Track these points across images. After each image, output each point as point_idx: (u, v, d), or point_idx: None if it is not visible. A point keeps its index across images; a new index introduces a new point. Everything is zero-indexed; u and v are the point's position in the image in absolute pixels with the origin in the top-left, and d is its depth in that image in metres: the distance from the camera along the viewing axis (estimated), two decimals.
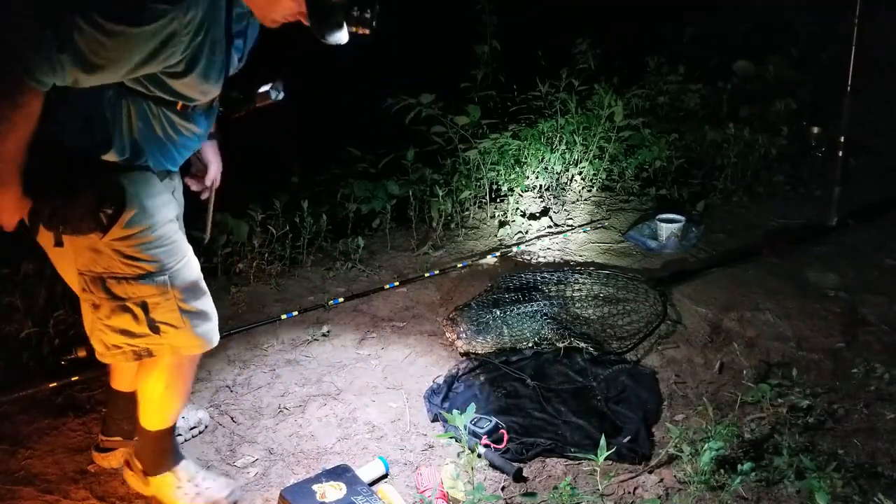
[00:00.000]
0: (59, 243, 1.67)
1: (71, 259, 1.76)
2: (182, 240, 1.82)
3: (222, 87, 1.73)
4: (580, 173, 4.34)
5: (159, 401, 1.92)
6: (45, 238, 1.72)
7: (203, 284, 1.85)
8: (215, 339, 1.90)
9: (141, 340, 1.80)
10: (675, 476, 2.08)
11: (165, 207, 1.77)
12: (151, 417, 1.94)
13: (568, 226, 3.94)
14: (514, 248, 3.66)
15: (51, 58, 1.43)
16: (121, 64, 1.50)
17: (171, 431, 1.99)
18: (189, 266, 1.81)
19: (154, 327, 1.77)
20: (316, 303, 3.10)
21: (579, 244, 3.73)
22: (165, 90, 1.63)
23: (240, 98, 1.88)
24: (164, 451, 1.99)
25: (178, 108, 1.68)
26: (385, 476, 2.12)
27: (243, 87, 1.87)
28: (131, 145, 1.67)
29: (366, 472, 2.08)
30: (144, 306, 1.75)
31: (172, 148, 1.76)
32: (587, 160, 4.32)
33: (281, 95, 1.92)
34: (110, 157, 1.65)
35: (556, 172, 4.28)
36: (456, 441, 2.10)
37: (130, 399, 2.13)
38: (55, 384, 2.51)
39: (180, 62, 1.57)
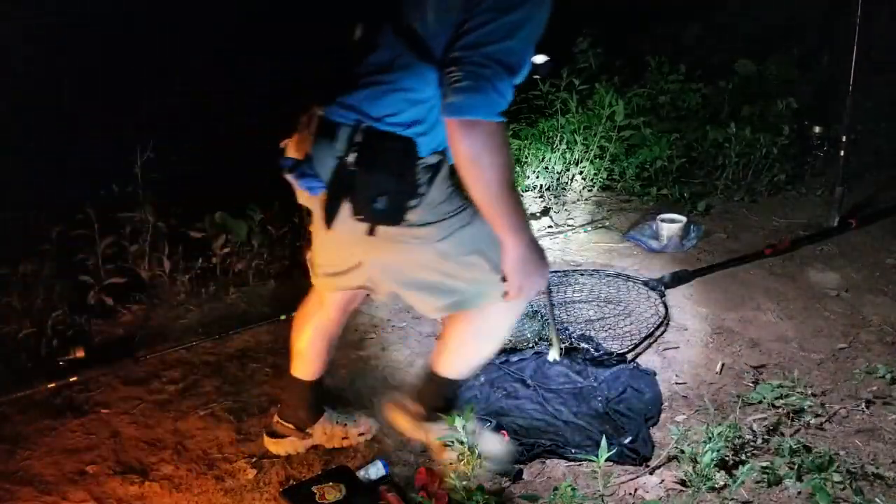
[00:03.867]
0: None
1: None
2: None
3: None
4: (581, 173, 4.33)
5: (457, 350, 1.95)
6: None
7: None
8: None
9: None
10: (675, 477, 2.07)
11: None
12: (447, 365, 1.98)
13: (568, 226, 3.93)
14: None
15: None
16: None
17: (460, 384, 2.05)
18: None
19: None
20: None
21: (580, 244, 3.72)
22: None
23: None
24: (447, 401, 2.03)
25: None
26: (385, 477, 2.12)
27: None
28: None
29: (365, 474, 2.08)
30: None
31: None
32: (588, 160, 4.31)
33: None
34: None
35: (557, 172, 4.27)
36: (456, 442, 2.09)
37: (309, 388, 2.15)
38: (53, 385, 2.50)
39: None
